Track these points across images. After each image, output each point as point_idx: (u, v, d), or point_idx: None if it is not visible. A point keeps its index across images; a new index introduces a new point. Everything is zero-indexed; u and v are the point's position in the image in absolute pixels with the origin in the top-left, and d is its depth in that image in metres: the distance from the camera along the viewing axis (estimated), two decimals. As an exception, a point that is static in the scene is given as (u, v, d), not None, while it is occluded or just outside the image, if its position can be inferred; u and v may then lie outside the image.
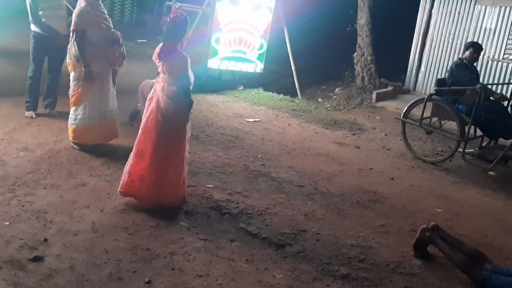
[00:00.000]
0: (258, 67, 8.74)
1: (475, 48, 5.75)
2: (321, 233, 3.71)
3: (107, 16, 4.78)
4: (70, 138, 4.73)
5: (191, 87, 3.77)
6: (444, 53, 8.58)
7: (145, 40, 11.15)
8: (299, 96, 8.89)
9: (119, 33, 4.80)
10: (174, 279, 2.88)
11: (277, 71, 10.23)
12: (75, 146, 4.70)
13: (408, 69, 9.06)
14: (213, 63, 8.11)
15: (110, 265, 2.93)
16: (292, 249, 3.41)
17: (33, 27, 5.37)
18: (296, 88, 8.97)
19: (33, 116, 5.46)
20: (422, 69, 8.86)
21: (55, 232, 3.19)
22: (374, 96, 8.65)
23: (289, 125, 6.90)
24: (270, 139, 6.01)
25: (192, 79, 3.77)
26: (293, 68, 8.93)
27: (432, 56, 8.72)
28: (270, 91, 8.80)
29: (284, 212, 4.00)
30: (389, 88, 8.87)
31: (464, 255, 3.32)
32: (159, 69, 3.75)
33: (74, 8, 5.42)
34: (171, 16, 3.74)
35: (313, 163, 5.38)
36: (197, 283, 2.88)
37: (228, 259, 3.18)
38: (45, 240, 3.08)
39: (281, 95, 8.62)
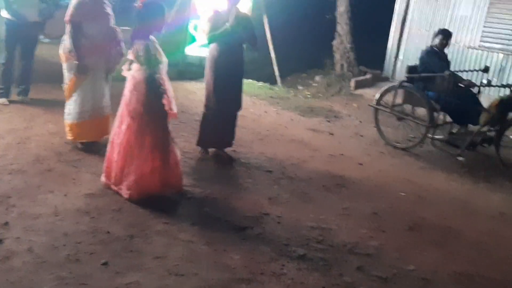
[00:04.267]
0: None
1: (444, 34, 5.82)
2: (283, 216, 3.79)
3: (109, 11, 4.50)
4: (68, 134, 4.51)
5: (161, 74, 3.73)
6: (421, 40, 8.62)
7: (128, 28, 11.08)
8: (279, 84, 8.94)
9: (119, 29, 4.53)
10: (131, 261, 2.95)
11: (259, 59, 10.22)
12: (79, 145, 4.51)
13: (387, 56, 9.13)
14: (191, 50, 8.12)
15: (69, 247, 2.98)
16: (252, 232, 3.49)
17: (4, 13, 5.36)
18: (275, 76, 9.01)
19: (6, 103, 5.46)
20: (401, 56, 8.93)
21: (17, 216, 3.24)
22: (352, 83, 8.71)
23: (265, 112, 6.96)
24: (245, 126, 6.06)
25: (163, 67, 3.75)
26: (272, 55, 8.96)
27: (410, 43, 8.79)
28: (250, 79, 8.82)
29: (249, 196, 4.08)
30: (368, 76, 8.94)
31: None
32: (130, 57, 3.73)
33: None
34: (140, 4, 3.71)
35: (285, 149, 5.45)
36: (154, 264, 2.95)
37: (188, 242, 3.25)
38: (6, 223, 3.13)
39: (261, 82, 8.66)
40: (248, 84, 8.43)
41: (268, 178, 4.51)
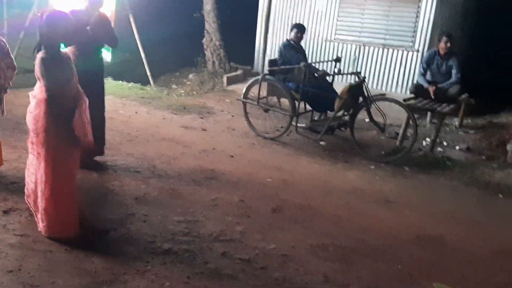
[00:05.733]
0: (105, 56, 8.45)
1: (298, 28, 6.26)
2: (150, 214, 3.78)
3: None
4: None
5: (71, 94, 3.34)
6: (285, 36, 9.11)
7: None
8: (152, 84, 8.84)
9: (3, 39, 3.92)
10: (-22, 280, 2.74)
11: (131, 60, 10.03)
12: None
13: (255, 52, 9.51)
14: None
15: None
16: (116, 234, 3.44)
17: None
18: (148, 76, 8.90)
19: None
20: (268, 52, 9.36)
21: None
22: (225, 80, 8.93)
23: (136, 113, 6.85)
24: (113, 128, 5.89)
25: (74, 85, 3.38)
26: (142, 55, 8.82)
27: (276, 39, 9.24)
28: (121, 80, 8.62)
29: (115, 198, 4.00)
30: (239, 72, 9.23)
31: None
32: None
33: None
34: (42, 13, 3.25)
35: (156, 148, 5.43)
36: (6, 279, 2.78)
37: (45, 252, 3.11)
38: None
39: (132, 83, 8.50)
40: (118, 86, 8.25)
41: (135, 179, 4.46)
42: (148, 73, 8.88)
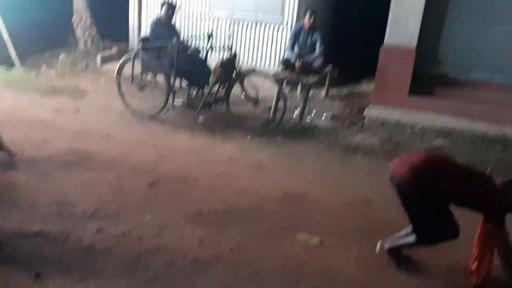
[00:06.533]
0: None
1: (168, 6, 6.28)
2: (18, 201, 3.66)
3: None
4: None
5: None
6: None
7: None
8: (18, 66, 8.23)
9: None
10: None
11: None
12: None
13: (130, 30, 9.25)
14: None
15: None
16: (-21, 222, 3.29)
17: None
18: (12, 58, 8.25)
19: None
20: (143, 28, 9.17)
21: None
22: (98, 59, 8.62)
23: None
24: (-29, 115, 5.47)
25: None
26: (5, 37, 8.15)
27: (150, 15, 9.04)
28: (-20, 64, 7.90)
29: (-24, 187, 3.79)
30: (113, 51, 8.95)
31: None
32: None
33: None
34: None
35: (23, 133, 5.16)
36: None
37: None
38: None
39: (-6, 66, 7.84)
40: (-22, 70, 7.56)
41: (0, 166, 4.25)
42: (13, 55, 8.24)
